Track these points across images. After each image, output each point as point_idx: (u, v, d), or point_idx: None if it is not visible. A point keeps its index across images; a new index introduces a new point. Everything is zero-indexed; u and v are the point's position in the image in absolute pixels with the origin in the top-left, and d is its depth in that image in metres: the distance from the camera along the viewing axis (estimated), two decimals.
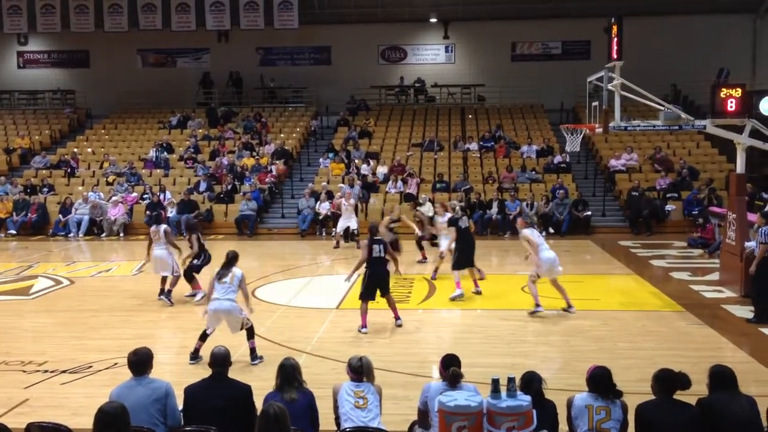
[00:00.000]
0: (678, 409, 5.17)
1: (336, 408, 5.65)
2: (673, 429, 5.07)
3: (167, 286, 12.24)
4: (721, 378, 5.33)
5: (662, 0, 27.69)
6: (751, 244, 12.51)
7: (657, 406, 5.21)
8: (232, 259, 9.09)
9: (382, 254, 10.32)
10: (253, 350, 8.83)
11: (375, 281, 10.27)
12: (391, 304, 10.59)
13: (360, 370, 5.73)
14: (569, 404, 5.35)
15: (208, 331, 8.85)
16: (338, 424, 5.61)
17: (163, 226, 12.46)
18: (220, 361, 5.70)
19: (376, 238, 10.45)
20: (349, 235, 19.64)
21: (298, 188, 23.70)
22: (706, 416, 5.13)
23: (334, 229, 21.28)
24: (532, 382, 5.35)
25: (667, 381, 5.26)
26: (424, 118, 28.68)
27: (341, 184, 21.78)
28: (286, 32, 29.00)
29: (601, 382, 5.29)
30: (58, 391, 7.96)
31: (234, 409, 5.46)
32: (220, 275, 8.90)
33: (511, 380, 5.10)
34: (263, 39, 30.13)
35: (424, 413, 5.54)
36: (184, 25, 28.71)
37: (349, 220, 19.10)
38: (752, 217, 13.75)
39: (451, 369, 5.50)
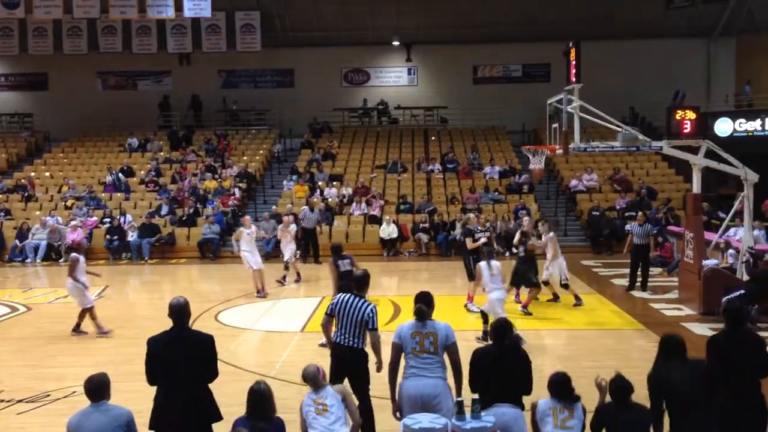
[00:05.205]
0: (631, 410, 5.36)
1: (302, 422, 5.71)
2: (623, 426, 5.27)
3: None
4: (671, 347, 5.59)
5: (619, 25, 28.32)
6: (708, 263, 12.79)
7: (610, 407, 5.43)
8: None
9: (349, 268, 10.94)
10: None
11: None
12: None
13: (306, 378, 5.85)
14: (533, 408, 5.54)
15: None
16: None
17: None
18: (179, 311, 5.73)
19: (342, 254, 11.38)
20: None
21: (261, 211, 23.56)
22: (655, 385, 5.43)
23: (298, 252, 21.09)
24: (505, 332, 5.75)
25: (618, 388, 5.43)
26: (387, 140, 28.84)
27: (304, 207, 21.49)
28: (249, 55, 29.00)
29: (560, 386, 5.49)
30: (14, 421, 7.76)
31: (196, 359, 5.62)
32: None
33: (475, 402, 5.12)
34: (225, 62, 30.05)
35: (398, 346, 5.97)
36: (145, 47, 28.53)
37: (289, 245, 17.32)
38: (709, 236, 14.08)
39: (417, 306, 5.93)
